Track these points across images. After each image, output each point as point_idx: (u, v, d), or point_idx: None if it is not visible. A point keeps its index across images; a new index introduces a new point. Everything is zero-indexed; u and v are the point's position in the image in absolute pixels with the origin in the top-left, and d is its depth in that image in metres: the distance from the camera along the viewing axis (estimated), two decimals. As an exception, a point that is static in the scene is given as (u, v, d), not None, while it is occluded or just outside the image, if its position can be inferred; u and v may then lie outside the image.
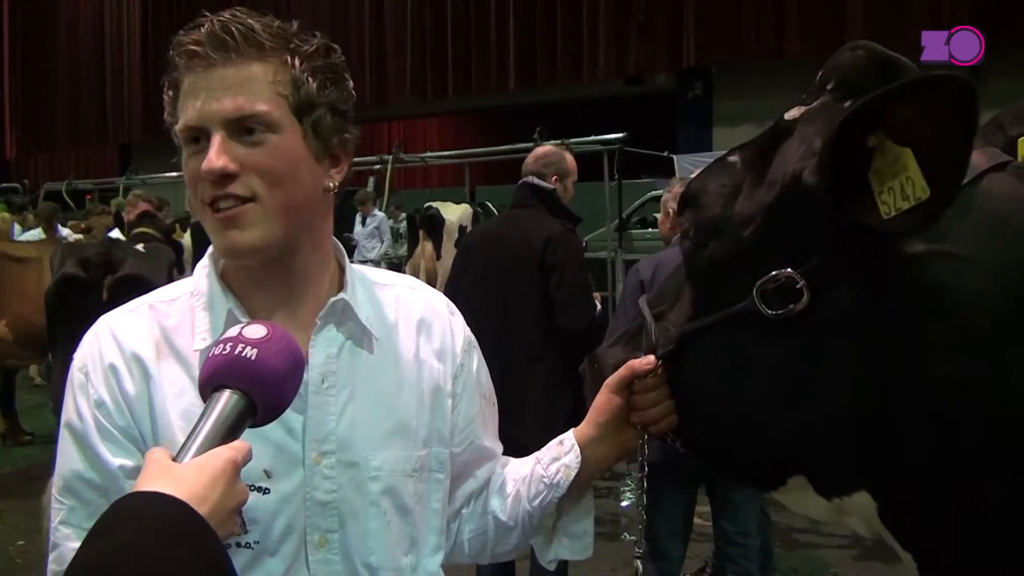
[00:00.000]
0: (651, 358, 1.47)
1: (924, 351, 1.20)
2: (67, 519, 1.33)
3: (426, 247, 11.70)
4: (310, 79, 1.33)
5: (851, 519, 1.37)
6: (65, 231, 10.39)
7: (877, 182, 1.19)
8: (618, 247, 11.37)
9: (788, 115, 1.40)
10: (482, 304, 3.70)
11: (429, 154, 15.83)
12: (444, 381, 1.53)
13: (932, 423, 1.20)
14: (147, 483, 1.02)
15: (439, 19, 19.91)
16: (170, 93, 1.35)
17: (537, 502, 1.57)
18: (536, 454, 1.62)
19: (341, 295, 1.43)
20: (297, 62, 1.33)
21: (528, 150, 10.47)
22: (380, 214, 13.20)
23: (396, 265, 12.53)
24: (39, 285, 6.82)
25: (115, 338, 1.38)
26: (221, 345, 1.14)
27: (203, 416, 1.11)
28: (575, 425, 1.62)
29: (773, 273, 1.28)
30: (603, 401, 1.55)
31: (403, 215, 13.32)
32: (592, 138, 10.97)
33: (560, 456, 1.57)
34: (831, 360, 1.27)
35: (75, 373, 1.38)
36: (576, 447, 1.56)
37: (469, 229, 11.24)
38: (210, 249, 1.45)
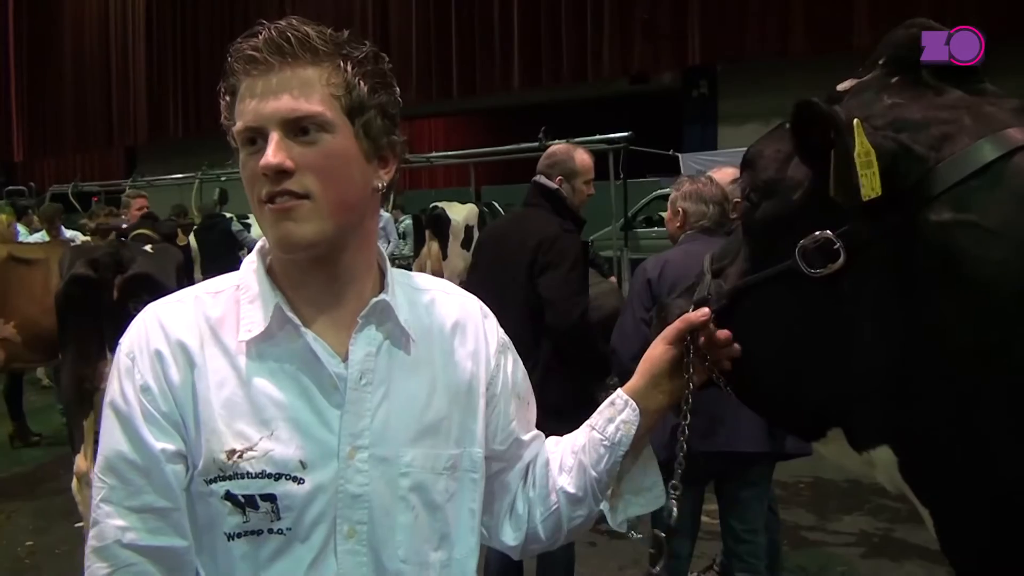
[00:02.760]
0: (705, 310, 1.56)
1: (947, 317, 1.24)
2: (108, 497, 1.38)
3: (432, 247, 11.70)
4: (361, 83, 1.39)
5: (878, 473, 1.42)
6: (71, 233, 10.41)
7: (859, 164, 1.26)
8: (624, 246, 11.39)
9: (840, 87, 1.47)
10: (487, 300, 3.89)
11: (434, 154, 15.86)
12: (477, 383, 1.58)
13: (953, 387, 1.24)
14: None
15: (443, 19, 19.94)
16: (227, 98, 1.41)
17: (602, 466, 1.62)
18: (588, 422, 1.67)
19: (383, 296, 1.48)
20: (349, 67, 1.39)
21: (533, 150, 10.55)
22: (386, 215, 13.23)
23: (403, 265, 12.55)
24: (46, 287, 6.82)
25: (162, 326, 1.43)
26: None
27: None
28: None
29: (815, 234, 1.35)
30: (658, 352, 1.62)
31: (403, 216, 13.34)
32: (597, 137, 10.97)
33: (615, 416, 1.62)
34: (861, 321, 1.33)
35: (122, 358, 1.42)
36: (631, 402, 1.62)
37: (475, 229, 11.27)
38: (258, 244, 1.52)
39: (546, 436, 1.76)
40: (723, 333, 1.55)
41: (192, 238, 10.86)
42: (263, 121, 1.34)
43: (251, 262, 1.50)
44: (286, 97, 1.34)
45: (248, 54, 1.35)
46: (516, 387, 1.67)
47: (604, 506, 1.69)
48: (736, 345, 1.55)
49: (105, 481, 1.38)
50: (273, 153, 1.32)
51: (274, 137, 1.33)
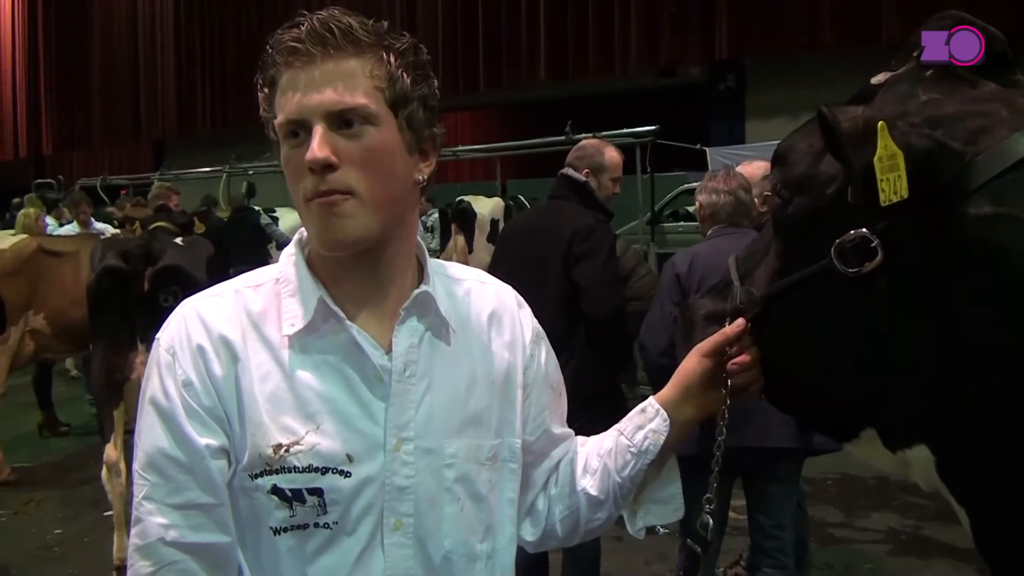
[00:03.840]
0: (741, 322, 1.55)
1: (986, 311, 1.23)
2: (150, 495, 1.36)
3: (458, 241, 11.71)
4: (404, 74, 1.38)
5: (913, 472, 1.41)
6: (100, 225, 10.48)
7: (879, 169, 1.26)
8: (650, 240, 11.33)
9: (875, 80, 1.46)
10: None
11: (460, 148, 15.84)
12: (515, 372, 1.58)
13: (991, 382, 1.23)
14: None
15: (470, 12, 19.91)
16: (265, 90, 1.39)
17: (626, 472, 1.62)
18: (616, 426, 1.67)
19: (424, 288, 1.47)
20: (392, 58, 1.37)
21: (560, 143, 10.53)
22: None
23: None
24: (76, 279, 6.90)
25: (202, 321, 1.41)
26: None
27: None
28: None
29: (851, 232, 1.33)
30: (693, 364, 1.61)
31: (433, 209, 13.32)
32: (624, 131, 10.90)
33: (645, 424, 1.62)
34: (899, 318, 1.32)
35: (161, 354, 1.41)
36: (662, 412, 1.61)
37: (501, 222, 11.27)
38: (296, 237, 1.51)
39: (579, 426, 1.75)
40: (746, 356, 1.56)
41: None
42: (307, 113, 1.32)
43: (290, 255, 1.49)
44: (330, 89, 1.32)
45: (290, 45, 1.33)
46: (549, 378, 1.67)
47: (625, 511, 1.70)
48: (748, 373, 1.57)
49: (147, 478, 1.37)
50: (319, 147, 1.30)
51: (319, 130, 1.31)
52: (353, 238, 1.35)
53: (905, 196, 1.25)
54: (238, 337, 1.40)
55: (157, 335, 1.44)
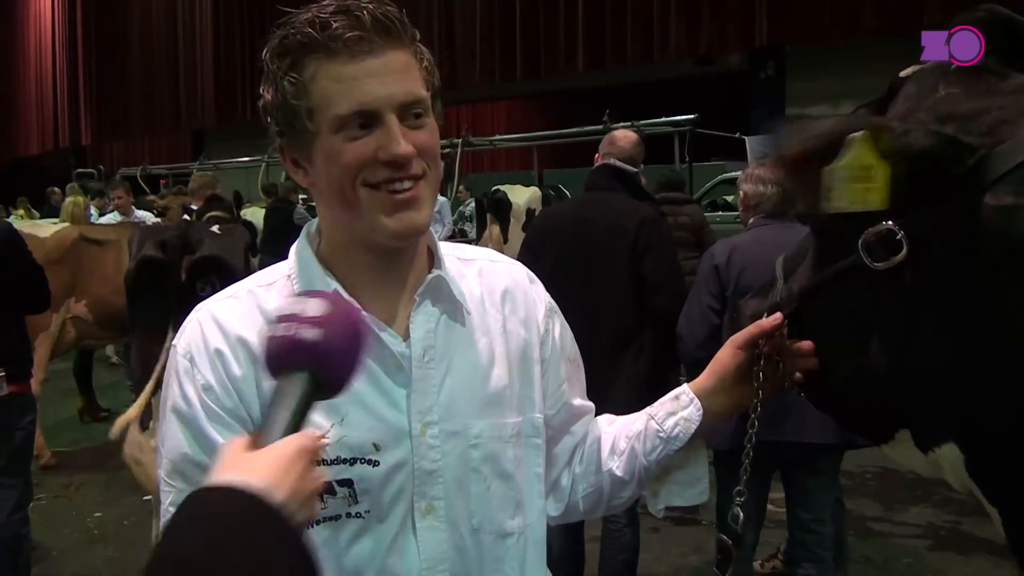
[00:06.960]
0: (778, 316, 1.54)
1: (1010, 304, 1.19)
2: (176, 501, 1.36)
3: (493, 230, 11.72)
4: (432, 67, 1.41)
5: (946, 473, 1.38)
6: (141, 213, 10.59)
7: (831, 177, 1.29)
8: (688, 230, 11.27)
9: (903, 73, 1.44)
10: (563, 286, 3.85)
11: (498, 137, 15.85)
12: (531, 349, 1.58)
13: (1018, 377, 1.20)
14: (223, 472, 1.03)
15: (507, 1, 19.88)
16: (293, 76, 1.33)
17: (654, 456, 1.63)
18: (647, 410, 1.67)
19: (437, 272, 1.48)
20: (424, 51, 1.40)
21: (597, 132, 10.49)
22: (442, 199, 13.17)
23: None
24: (118, 267, 6.97)
25: (218, 324, 1.41)
26: (283, 325, 1.12)
27: (274, 402, 1.11)
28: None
29: (877, 225, 1.32)
30: (727, 355, 1.62)
31: (470, 199, 13.32)
32: (663, 120, 10.88)
33: (677, 411, 1.63)
34: (925, 313, 1.29)
35: (179, 360, 1.41)
36: (696, 401, 1.62)
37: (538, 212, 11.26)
38: (305, 230, 1.51)
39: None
40: (806, 344, 1.52)
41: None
42: (381, 104, 1.31)
43: (299, 250, 1.49)
44: (398, 81, 1.32)
45: (348, 35, 1.29)
46: (565, 350, 1.67)
47: (646, 491, 1.68)
48: (814, 358, 1.53)
49: (173, 485, 1.38)
50: (404, 140, 1.32)
51: (394, 123, 1.32)
52: (424, 225, 1.39)
53: (881, 207, 1.27)
54: (255, 337, 1.38)
55: (174, 342, 1.44)
